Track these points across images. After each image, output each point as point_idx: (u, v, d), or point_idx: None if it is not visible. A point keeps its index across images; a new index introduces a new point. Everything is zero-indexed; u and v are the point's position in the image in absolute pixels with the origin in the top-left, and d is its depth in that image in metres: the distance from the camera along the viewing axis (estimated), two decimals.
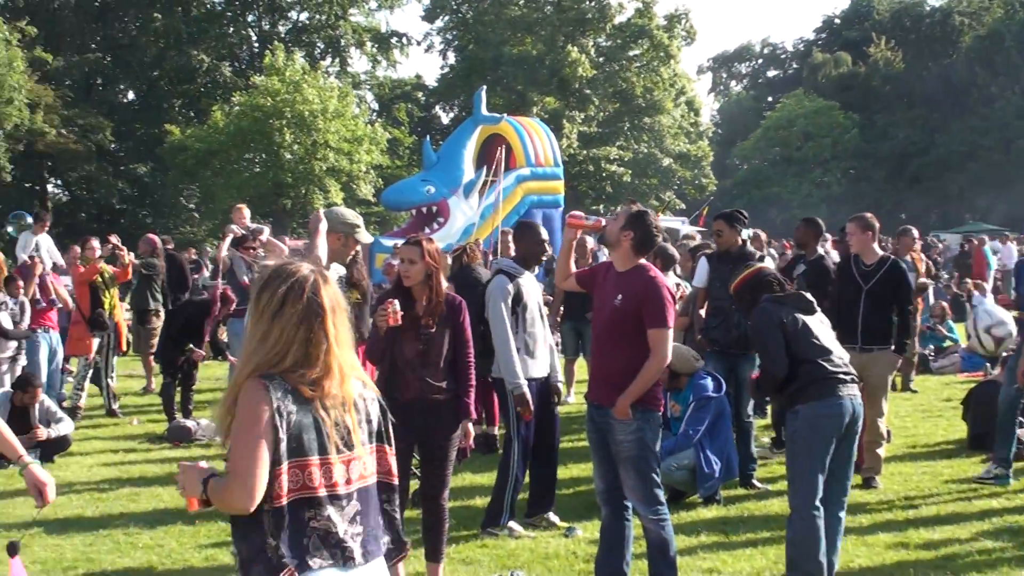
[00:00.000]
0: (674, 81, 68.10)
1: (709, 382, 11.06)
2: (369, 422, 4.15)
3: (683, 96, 71.78)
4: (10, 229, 20.59)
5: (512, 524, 9.67)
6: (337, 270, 8.23)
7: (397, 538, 4.26)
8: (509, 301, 9.47)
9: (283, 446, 3.86)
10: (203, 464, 4.07)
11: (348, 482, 4.03)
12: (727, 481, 11.03)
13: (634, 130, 68.02)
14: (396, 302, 7.76)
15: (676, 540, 7.81)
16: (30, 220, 19.98)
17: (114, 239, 17.44)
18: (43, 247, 17.46)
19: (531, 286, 9.75)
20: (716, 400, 10.93)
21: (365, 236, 8.37)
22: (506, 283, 9.56)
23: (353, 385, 4.09)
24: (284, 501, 3.88)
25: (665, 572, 7.62)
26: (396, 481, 4.24)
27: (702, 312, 12.34)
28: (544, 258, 10.07)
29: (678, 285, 13.58)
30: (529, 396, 9.37)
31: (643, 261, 7.68)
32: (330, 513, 3.97)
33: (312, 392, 3.94)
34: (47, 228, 17.95)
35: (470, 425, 8.15)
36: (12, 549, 5.53)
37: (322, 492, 3.95)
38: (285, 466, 3.87)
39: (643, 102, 66.66)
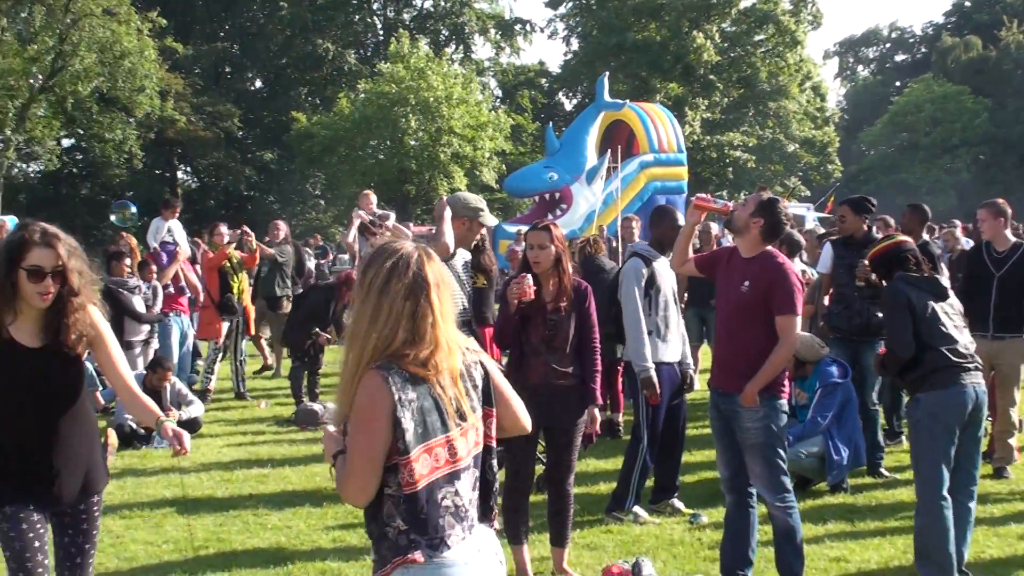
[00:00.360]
0: (800, 66, 67.30)
1: (835, 369, 10.93)
2: (476, 387, 4.16)
3: (809, 81, 70.78)
4: (113, 218, 20.94)
5: (637, 509, 9.67)
6: (463, 255, 8.25)
7: (488, 501, 4.24)
8: (643, 284, 9.44)
9: (409, 435, 3.89)
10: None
11: (468, 453, 4.08)
12: (854, 469, 10.91)
13: (758, 116, 67.41)
14: (530, 276, 7.76)
15: (803, 528, 7.73)
16: (134, 210, 20.35)
17: (244, 227, 17.75)
18: (175, 232, 17.72)
19: (665, 271, 9.68)
20: (843, 386, 10.81)
21: (489, 219, 8.34)
22: (641, 266, 9.53)
23: (459, 357, 4.11)
24: (420, 486, 3.92)
25: (792, 560, 7.56)
26: (493, 443, 4.22)
27: (826, 300, 12.20)
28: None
29: (804, 272, 13.44)
30: (656, 380, 9.36)
31: (770, 247, 7.61)
32: (457, 487, 4.03)
33: (426, 371, 3.96)
34: (177, 214, 18.19)
35: (596, 411, 8.17)
36: None
37: (448, 469, 4.00)
38: (416, 452, 3.90)
39: (768, 87, 66.06)
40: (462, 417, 4.05)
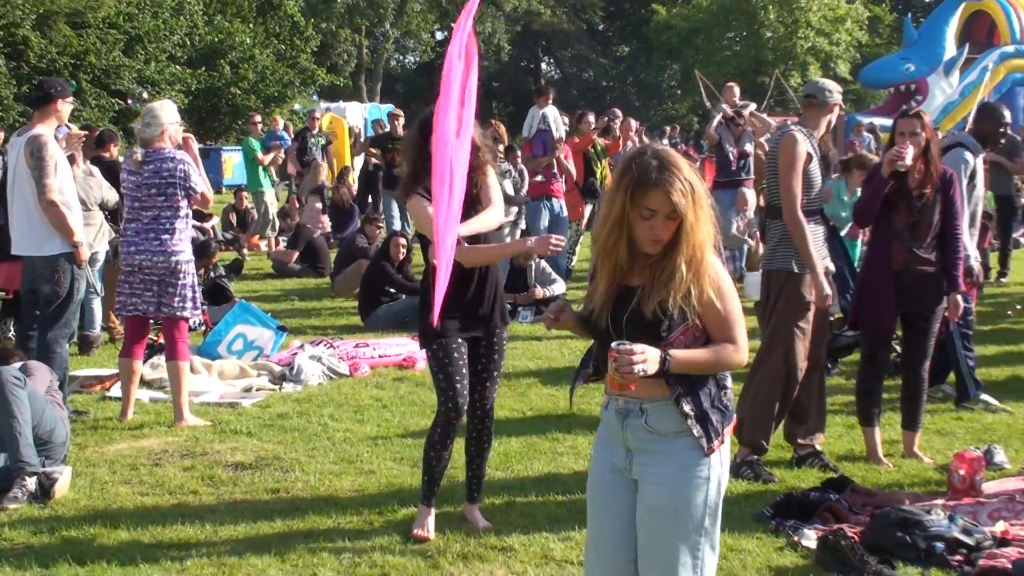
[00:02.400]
0: None
1: None
2: None
3: None
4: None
5: (986, 397, 9.59)
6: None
7: None
8: (967, 176, 8.97)
9: None
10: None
11: None
12: None
13: None
14: (912, 147, 7.69)
15: None
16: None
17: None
18: (549, 119, 18.15)
19: (980, 167, 9.33)
20: None
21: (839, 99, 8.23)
22: (967, 157, 9.08)
23: None
24: None
25: None
26: None
27: None
28: (1003, 141, 9.79)
29: None
30: (979, 270, 9.24)
31: None
32: None
33: None
34: (551, 101, 18.71)
35: (958, 298, 8.01)
36: None
37: None
38: None
39: None
40: None
